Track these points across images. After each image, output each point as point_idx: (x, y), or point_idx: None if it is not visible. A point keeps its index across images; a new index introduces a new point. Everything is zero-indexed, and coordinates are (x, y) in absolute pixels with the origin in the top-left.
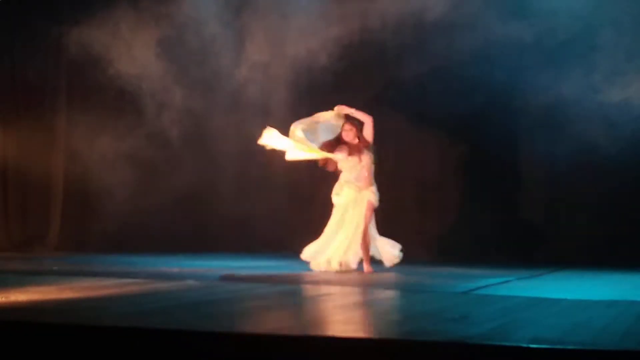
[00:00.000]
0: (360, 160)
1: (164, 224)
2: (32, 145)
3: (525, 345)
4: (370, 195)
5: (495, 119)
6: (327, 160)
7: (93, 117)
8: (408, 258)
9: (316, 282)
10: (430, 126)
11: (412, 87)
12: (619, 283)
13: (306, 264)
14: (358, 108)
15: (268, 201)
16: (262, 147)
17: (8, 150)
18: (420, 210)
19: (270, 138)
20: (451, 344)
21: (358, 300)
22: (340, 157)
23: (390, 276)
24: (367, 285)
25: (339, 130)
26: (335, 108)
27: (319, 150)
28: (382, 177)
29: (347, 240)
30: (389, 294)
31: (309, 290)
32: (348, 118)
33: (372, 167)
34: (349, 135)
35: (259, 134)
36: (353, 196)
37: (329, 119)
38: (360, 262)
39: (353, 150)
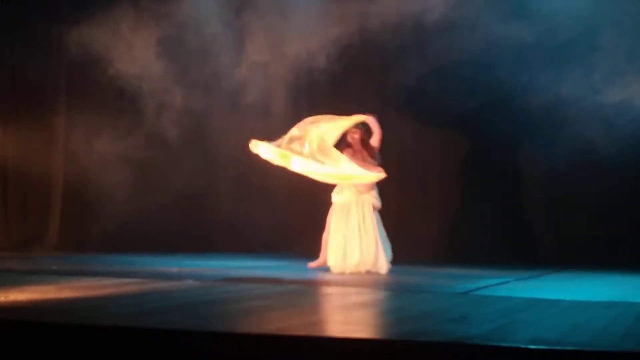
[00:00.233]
0: (363, 164)
1: (164, 224)
2: (32, 145)
3: (524, 346)
4: (371, 199)
5: (495, 120)
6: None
7: (93, 117)
8: (407, 258)
9: (316, 283)
10: (430, 127)
11: (411, 87)
12: (619, 284)
13: (328, 269)
14: (358, 108)
15: (268, 201)
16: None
17: (8, 150)
18: (419, 211)
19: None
20: (450, 344)
21: (357, 301)
22: None
23: (390, 277)
24: (366, 286)
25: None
26: (356, 116)
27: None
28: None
29: (359, 241)
30: (388, 295)
31: (309, 290)
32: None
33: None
34: (355, 138)
35: (259, 135)
36: (353, 198)
37: (347, 126)
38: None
39: (357, 154)
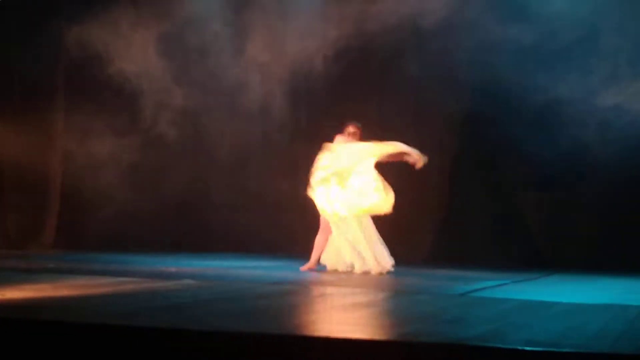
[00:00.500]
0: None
1: (161, 223)
2: (30, 143)
3: (520, 347)
4: None
5: (493, 122)
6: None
7: (91, 116)
8: (405, 260)
9: (314, 283)
10: (427, 128)
11: (409, 88)
12: (614, 287)
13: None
14: (355, 108)
15: (266, 202)
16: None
17: (5, 148)
18: (416, 212)
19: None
20: (447, 345)
21: (355, 301)
22: None
23: (388, 278)
24: (364, 287)
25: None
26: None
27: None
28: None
29: (348, 239)
30: (386, 296)
31: (307, 290)
32: (354, 119)
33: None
34: (354, 137)
35: (258, 134)
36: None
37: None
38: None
39: None
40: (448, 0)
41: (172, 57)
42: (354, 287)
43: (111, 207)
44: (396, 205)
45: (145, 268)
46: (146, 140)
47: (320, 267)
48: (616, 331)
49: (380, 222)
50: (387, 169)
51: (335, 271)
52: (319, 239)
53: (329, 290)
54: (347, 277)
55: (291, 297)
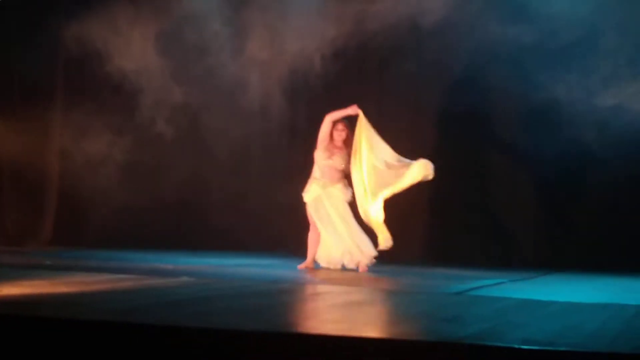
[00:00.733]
0: (329, 158)
1: (159, 220)
2: (28, 140)
3: (517, 346)
4: (336, 192)
5: (491, 120)
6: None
7: (89, 114)
8: (401, 259)
9: (311, 281)
10: (424, 127)
11: (408, 87)
12: (611, 286)
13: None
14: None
15: (264, 200)
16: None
17: (3, 146)
18: (413, 211)
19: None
20: (444, 344)
21: (351, 300)
22: (319, 153)
23: (383, 276)
24: (360, 285)
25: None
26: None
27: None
28: None
29: (335, 235)
30: (382, 294)
31: (304, 288)
32: (344, 118)
33: (343, 167)
34: (341, 135)
35: (256, 131)
36: (318, 193)
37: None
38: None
39: (330, 149)
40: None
41: (171, 55)
42: (350, 286)
43: (109, 205)
44: (391, 204)
45: (143, 265)
46: (144, 138)
47: (316, 265)
48: (614, 330)
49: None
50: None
51: (329, 269)
52: (311, 237)
53: (325, 288)
54: (342, 275)
55: (288, 295)
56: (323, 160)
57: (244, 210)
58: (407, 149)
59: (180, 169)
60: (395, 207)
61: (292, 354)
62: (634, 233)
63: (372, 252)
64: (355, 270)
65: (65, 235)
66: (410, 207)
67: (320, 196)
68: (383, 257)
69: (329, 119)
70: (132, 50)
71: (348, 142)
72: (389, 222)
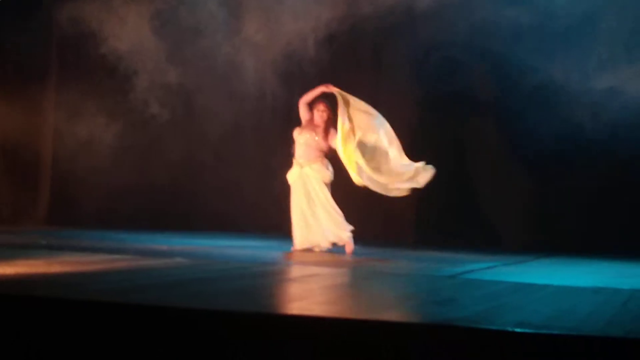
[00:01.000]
0: (313, 136)
1: (153, 201)
2: (22, 120)
3: (510, 329)
4: (311, 172)
5: (486, 103)
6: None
7: (84, 94)
8: (395, 241)
9: (303, 263)
10: (419, 109)
11: (403, 67)
12: (605, 270)
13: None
14: (349, 89)
15: (257, 182)
16: (252, 127)
17: None
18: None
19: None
20: (437, 326)
21: (343, 282)
22: (296, 131)
23: (375, 259)
24: (354, 268)
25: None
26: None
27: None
28: None
29: (305, 219)
30: (374, 277)
31: (296, 270)
32: (324, 98)
33: (319, 148)
34: (323, 116)
35: (250, 113)
36: (297, 174)
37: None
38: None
39: (308, 127)
40: None
41: (166, 36)
42: (342, 268)
43: (103, 185)
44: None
45: (137, 246)
46: (138, 119)
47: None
48: (607, 314)
49: (371, 205)
50: None
51: (311, 250)
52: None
53: (318, 270)
54: (335, 257)
55: (280, 277)
56: (296, 137)
57: (238, 192)
58: (402, 132)
59: (174, 150)
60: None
61: (284, 336)
62: (628, 217)
63: (347, 231)
64: (338, 252)
65: (59, 215)
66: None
67: (297, 177)
68: (375, 240)
69: (302, 102)
70: (126, 31)
71: (330, 122)
72: (381, 205)
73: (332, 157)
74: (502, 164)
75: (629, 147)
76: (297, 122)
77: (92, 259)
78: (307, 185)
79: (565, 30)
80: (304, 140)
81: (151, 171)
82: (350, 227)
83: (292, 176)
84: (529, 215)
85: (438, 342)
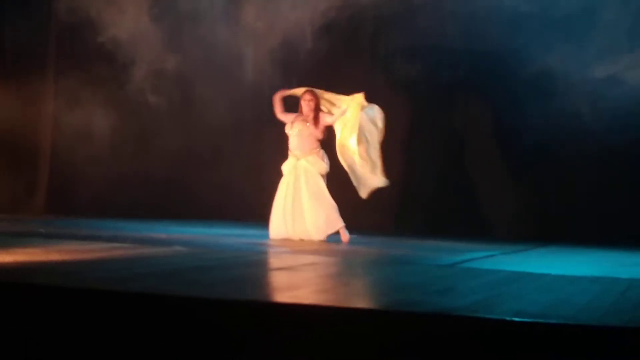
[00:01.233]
0: (305, 125)
1: (152, 190)
2: (20, 109)
3: (508, 318)
4: (307, 165)
5: (483, 90)
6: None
7: (82, 82)
8: (391, 231)
9: (302, 251)
10: (417, 97)
11: (401, 56)
12: (604, 260)
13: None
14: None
15: (256, 170)
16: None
17: None
18: (406, 182)
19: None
20: (435, 315)
21: (341, 271)
22: (289, 121)
23: (375, 248)
24: (352, 256)
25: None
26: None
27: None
28: None
29: (283, 211)
30: (373, 266)
31: (295, 259)
32: (310, 89)
33: (313, 136)
34: (310, 105)
35: (248, 102)
36: (292, 166)
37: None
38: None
39: (298, 119)
40: None
41: (164, 24)
42: (340, 257)
43: (102, 174)
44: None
45: (135, 234)
46: (137, 107)
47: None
48: (605, 303)
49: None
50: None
51: (302, 240)
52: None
53: (316, 259)
54: (333, 246)
55: (278, 266)
56: (289, 131)
57: (236, 181)
58: (399, 122)
59: (173, 139)
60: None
61: (280, 324)
62: (626, 206)
63: (329, 231)
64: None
65: (57, 204)
66: (401, 180)
67: (290, 169)
68: (371, 230)
69: (277, 114)
70: (125, 19)
71: (318, 109)
72: (380, 195)
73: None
74: (499, 153)
75: (627, 135)
76: (295, 111)
77: (91, 247)
78: (299, 177)
79: (564, 19)
80: (297, 132)
81: (149, 160)
82: (342, 224)
83: (286, 167)
84: (528, 204)
85: (436, 331)
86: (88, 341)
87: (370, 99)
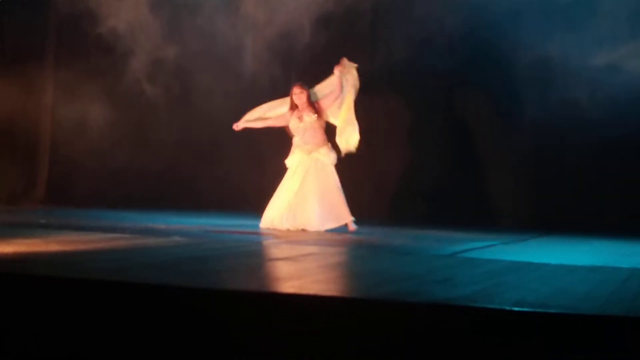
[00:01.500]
0: (301, 121)
1: (151, 180)
2: (19, 99)
3: (508, 308)
4: (320, 157)
5: (481, 79)
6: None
7: (81, 73)
8: (391, 220)
9: (301, 241)
10: (415, 87)
11: (400, 45)
12: (604, 249)
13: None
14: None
15: (255, 160)
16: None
17: None
18: (406, 172)
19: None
20: (435, 305)
21: (341, 260)
22: (288, 120)
23: (375, 237)
24: (351, 246)
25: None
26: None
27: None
28: (369, 137)
29: (286, 202)
30: (373, 256)
31: (294, 249)
32: (296, 81)
33: (321, 127)
34: (301, 98)
35: (248, 93)
36: (302, 159)
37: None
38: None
39: (298, 114)
40: None
41: (163, 15)
42: (340, 247)
43: (102, 164)
44: (383, 166)
45: (135, 225)
46: (136, 97)
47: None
48: (606, 293)
49: (366, 182)
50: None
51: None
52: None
53: (316, 249)
54: (333, 236)
55: (279, 256)
56: (298, 125)
57: (235, 171)
58: (399, 111)
59: (172, 129)
60: (384, 168)
61: (281, 314)
62: (626, 195)
63: (336, 222)
64: (344, 229)
65: (57, 194)
66: (400, 170)
67: (300, 163)
68: (372, 219)
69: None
70: (124, 9)
71: (310, 101)
72: (381, 183)
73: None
74: (498, 142)
75: (628, 124)
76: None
77: (90, 237)
78: (309, 171)
79: (565, 6)
80: (306, 125)
81: (149, 150)
82: (351, 217)
83: (293, 161)
84: (527, 194)
85: (436, 321)
86: (88, 331)
87: (369, 88)
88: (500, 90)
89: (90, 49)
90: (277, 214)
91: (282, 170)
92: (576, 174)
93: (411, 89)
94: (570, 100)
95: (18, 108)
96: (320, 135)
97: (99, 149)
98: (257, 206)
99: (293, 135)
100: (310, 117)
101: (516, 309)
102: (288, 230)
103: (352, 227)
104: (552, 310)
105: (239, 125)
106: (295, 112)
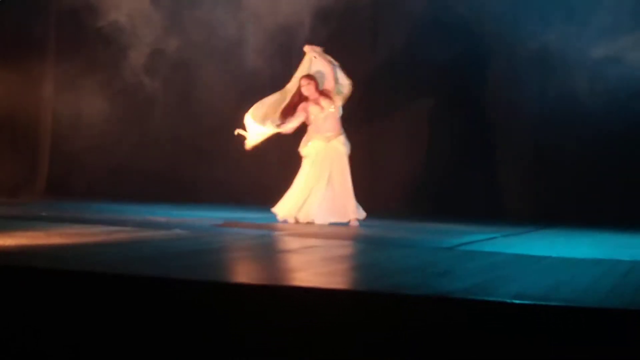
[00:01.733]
0: (322, 109)
1: (152, 173)
2: (21, 90)
3: (509, 300)
4: (339, 145)
5: (482, 71)
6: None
7: (82, 66)
8: (393, 213)
9: (302, 234)
10: (417, 80)
11: (400, 35)
12: (605, 242)
13: (274, 215)
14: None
15: (256, 154)
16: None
17: None
18: (405, 163)
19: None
20: (435, 298)
21: (342, 253)
22: (306, 112)
23: (375, 230)
24: (351, 239)
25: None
26: (305, 49)
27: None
28: (370, 129)
29: (309, 192)
30: (372, 248)
31: (294, 241)
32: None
33: (338, 113)
34: (310, 89)
35: (249, 86)
36: (321, 147)
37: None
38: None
39: (315, 104)
40: None
41: (164, 8)
42: (341, 239)
43: (103, 157)
44: (384, 157)
45: (136, 218)
46: (137, 90)
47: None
48: (607, 286)
49: (367, 175)
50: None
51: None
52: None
53: (317, 242)
54: (333, 229)
55: (279, 249)
56: (319, 114)
57: (236, 164)
58: (400, 104)
59: (173, 122)
60: (386, 162)
61: (279, 307)
62: (627, 188)
63: (357, 215)
64: (346, 224)
65: (58, 187)
66: (400, 163)
67: (320, 151)
68: (374, 212)
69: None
70: (124, 2)
71: (319, 90)
72: (382, 176)
73: None
74: (499, 134)
75: (629, 116)
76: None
77: (92, 230)
78: (332, 160)
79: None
80: (328, 113)
81: (150, 143)
82: (360, 216)
83: (312, 149)
84: (528, 186)
85: (436, 314)
86: (89, 324)
87: (369, 83)
88: (502, 82)
89: (91, 42)
90: (293, 205)
91: (284, 161)
92: (577, 167)
93: (411, 83)
94: (571, 93)
95: (19, 101)
96: (338, 122)
97: (99, 142)
98: (258, 199)
99: (309, 124)
100: (329, 104)
101: (517, 301)
102: (296, 221)
103: (355, 223)
104: (553, 303)
105: (248, 145)
106: (310, 102)
